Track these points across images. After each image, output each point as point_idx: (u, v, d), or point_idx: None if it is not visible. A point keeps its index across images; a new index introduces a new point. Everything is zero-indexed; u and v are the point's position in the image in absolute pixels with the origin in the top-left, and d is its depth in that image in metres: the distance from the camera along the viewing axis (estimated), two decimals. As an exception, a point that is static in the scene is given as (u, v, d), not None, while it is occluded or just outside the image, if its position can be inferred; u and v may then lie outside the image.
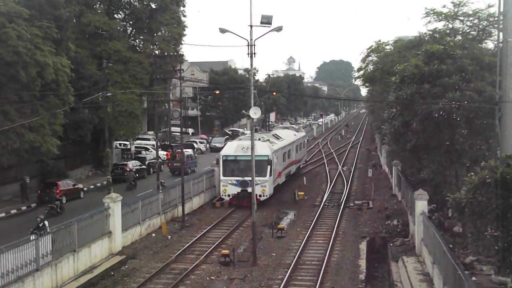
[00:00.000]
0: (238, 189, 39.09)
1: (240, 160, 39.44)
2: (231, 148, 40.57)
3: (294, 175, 51.64)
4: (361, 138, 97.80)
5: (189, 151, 58.73)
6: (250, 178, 33.93)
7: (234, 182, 39.09)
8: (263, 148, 39.12)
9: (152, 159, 56.09)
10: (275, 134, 48.91)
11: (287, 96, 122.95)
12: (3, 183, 42.16)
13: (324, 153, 72.26)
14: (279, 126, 71.68)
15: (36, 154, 40.48)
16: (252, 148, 28.69)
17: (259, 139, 40.55)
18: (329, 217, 36.75)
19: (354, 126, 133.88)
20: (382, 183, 48.35)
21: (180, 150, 54.75)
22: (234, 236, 32.11)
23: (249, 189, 36.12)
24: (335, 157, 68.75)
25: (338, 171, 56.57)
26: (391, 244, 29.40)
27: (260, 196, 38.32)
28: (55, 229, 23.52)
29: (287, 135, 51.73)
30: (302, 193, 43.59)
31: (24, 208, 39.19)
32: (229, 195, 39.54)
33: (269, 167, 38.96)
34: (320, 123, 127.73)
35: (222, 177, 39.65)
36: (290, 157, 48.99)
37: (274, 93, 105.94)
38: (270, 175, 39.35)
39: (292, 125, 70.70)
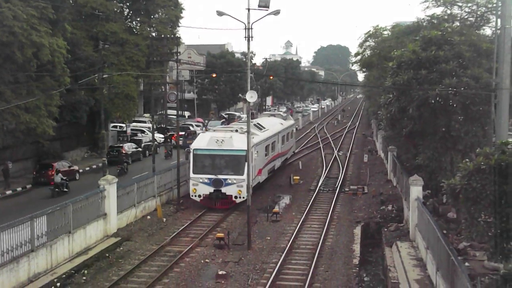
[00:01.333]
0: (211, 189, 33.62)
1: (214, 155, 34.32)
2: (203, 141, 34.88)
3: (280, 170, 46.33)
4: (357, 123, 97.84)
5: (196, 128, 59.30)
6: (225, 176, 33.20)
7: (206, 180, 33.70)
8: (240, 142, 32.99)
9: (148, 142, 56.09)
10: (258, 123, 42.50)
11: (284, 80, 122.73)
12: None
13: (320, 138, 72.28)
14: (264, 113, 63.63)
15: (32, 135, 40.44)
16: (248, 133, 28.46)
17: (236, 131, 35.59)
18: (324, 202, 36.87)
19: (351, 111, 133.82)
20: (377, 169, 48.46)
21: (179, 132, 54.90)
22: (229, 220, 32.22)
23: (224, 189, 33.32)
24: (331, 142, 68.78)
25: (334, 156, 56.63)
26: (385, 229, 29.53)
27: (235, 197, 33.45)
28: (50, 210, 23.53)
29: (272, 124, 46.01)
30: (298, 177, 43.66)
31: (9, 192, 38.73)
32: (199, 196, 33.96)
33: (246, 164, 31.89)
34: (313, 109, 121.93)
35: (192, 175, 34.15)
36: (275, 149, 43.33)
37: (271, 77, 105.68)
38: (248, 173, 33.46)
39: (279, 112, 59.35)
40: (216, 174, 33.67)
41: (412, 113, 27.69)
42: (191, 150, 34.66)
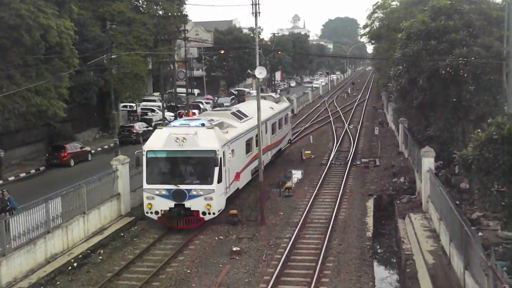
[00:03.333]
0: (171, 203, 25.27)
1: (174, 158, 26.27)
2: (160, 140, 26.28)
3: (270, 165, 38.01)
4: (368, 95, 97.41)
5: (206, 106, 59.19)
6: (188, 187, 25.25)
7: (164, 192, 25.32)
8: (208, 139, 25.73)
9: (158, 121, 56.17)
10: (238, 111, 34.14)
11: (292, 55, 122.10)
12: (11, 147, 42.37)
13: (330, 112, 72.07)
14: (251, 96, 55.13)
15: (43, 118, 40.60)
16: (259, 120, 27.61)
17: (203, 125, 26.93)
18: (336, 176, 36.88)
19: (360, 83, 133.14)
20: (388, 141, 48.36)
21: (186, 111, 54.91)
22: (242, 196, 32.28)
23: (188, 203, 25.10)
24: (341, 115, 68.57)
25: (345, 129, 56.52)
26: (398, 202, 29.59)
27: (204, 213, 25.19)
28: (64, 192, 23.75)
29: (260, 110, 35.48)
30: (309, 152, 43.65)
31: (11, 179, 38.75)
32: (157, 213, 25.56)
33: (217, 169, 25.36)
34: (316, 86, 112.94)
35: (145, 185, 25.72)
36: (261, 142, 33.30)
37: (279, 52, 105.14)
38: (220, 180, 25.68)
39: (270, 94, 49.02)
40: (177, 184, 25.37)
41: (422, 84, 27.57)
42: (144, 153, 26.18)
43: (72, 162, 40.78)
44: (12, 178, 38.06)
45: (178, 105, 68.16)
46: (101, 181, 26.54)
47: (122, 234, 25.68)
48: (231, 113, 32.59)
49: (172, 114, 63.07)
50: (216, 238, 24.96)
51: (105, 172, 27.86)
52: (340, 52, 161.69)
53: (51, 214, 22.15)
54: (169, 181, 25.72)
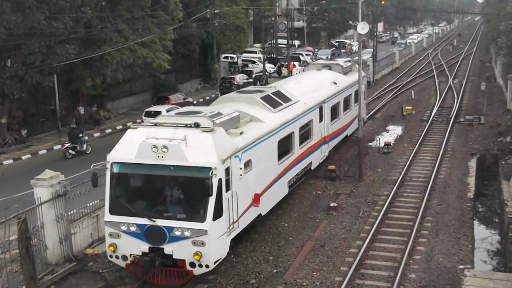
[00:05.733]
0: (144, 246, 16.10)
1: (150, 177, 16.69)
2: (132, 146, 16.53)
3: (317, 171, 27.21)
4: (475, 48, 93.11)
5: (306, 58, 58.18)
6: (169, 223, 15.81)
7: (134, 229, 16.15)
8: (201, 150, 16.06)
9: (258, 72, 56.71)
10: (276, 93, 23.20)
11: (396, 4, 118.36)
12: (119, 97, 44.44)
13: (434, 65, 69.75)
14: (311, 64, 37.40)
15: (149, 69, 42.14)
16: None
17: (197, 125, 16.78)
18: (437, 133, 36.01)
19: (468, 35, 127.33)
20: (495, 97, 46.36)
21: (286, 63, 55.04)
22: (340, 151, 32.27)
23: (168, 248, 15.93)
24: (446, 69, 66.19)
25: (449, 84, 54.64)
26: (503, 162, 28.53)
27: (192, 265, 15.85)
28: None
29: (313, 88, 26.75)
30: (410, 107, 42.74)
31: (119, 127, 40.86)
32: (124, 258, 16.42)
33: (212, 198, 15.73)
34: (409, 41, 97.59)
35: (107, 216, 16.54)
36: (312, 136, 25.00)
37: (383, 2, 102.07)
38: (219, 215, 16.10)
39: (337, 62, 34.19)
40: (153, 217, 16.01)
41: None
42: (108, 167, 16.66)
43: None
44: (119, 127, 40.01)
45: (279, 57, 68.45)
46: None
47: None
48: (261, 98, 21.65)
49: (273, 66, 63.51)
50: (314, 193, 25.25)
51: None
52: (448, 2, 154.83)
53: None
54: (141, 212, 16.11)
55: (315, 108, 25.18)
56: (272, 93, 22.75)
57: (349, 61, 36.17)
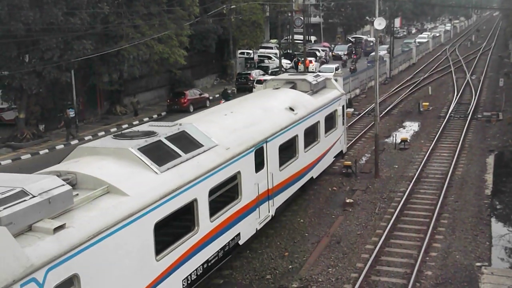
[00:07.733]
0: None
1: None
2: None
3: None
4: (493, 44, 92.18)
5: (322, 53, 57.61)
6: None
7: None
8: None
9: (275, 68, 56.63)
10: (182, 133, 15.19)
11: (413, 0, 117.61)
12: (136, 92, 44.61)
13: (451, 61, 69.22)
14: (268, 81, 26.36)
15: (165, 65, 42.27)
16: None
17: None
18: (454, 129, 35.72)
19: (486, 31, 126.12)
20: (514, 94, 45.95)
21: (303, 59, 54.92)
22: (356, 147, 32.19)
23: None
24: (463, 65, 65.68)
25: (466, 80, 54.21)
26: (521, 159, 28.36)
27: None
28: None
29: (249, 122, 18.59)
30: (427, 103, 42.43)
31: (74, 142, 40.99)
32: None
33: None
34: (419, 41, 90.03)
35: None
36: (237, 196, 16.67)
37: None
38: None
39: (301, 77, 25.17)
40: None
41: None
42: None
43: (191, 108, 42.19)
44: (136, 122, 40.17)
45: (295, 53, 68.32)
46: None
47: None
48: (141, 149, 13.52)
49: (289, 62, 63.38)
50: (330, 189, 25.18)
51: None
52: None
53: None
54: None
55: (247, 153, 17.09)
56: (168, 138, 14.55)
57: (319, 73, 29.22)
